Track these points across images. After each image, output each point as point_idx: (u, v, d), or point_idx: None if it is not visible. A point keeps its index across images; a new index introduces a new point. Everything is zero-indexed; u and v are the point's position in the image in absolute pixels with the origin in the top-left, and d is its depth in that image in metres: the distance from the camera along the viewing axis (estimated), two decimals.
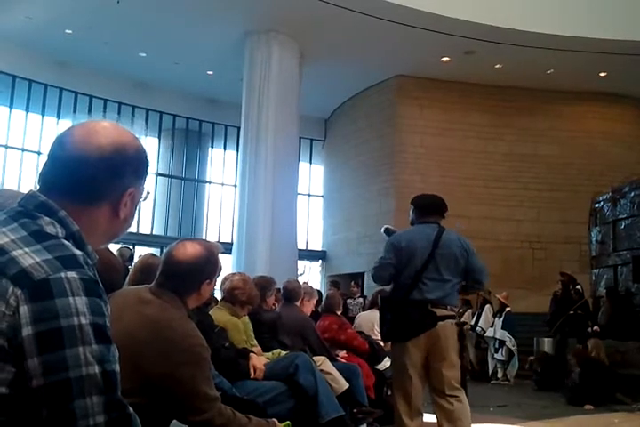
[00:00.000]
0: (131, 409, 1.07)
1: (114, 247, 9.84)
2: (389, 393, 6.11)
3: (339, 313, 6.28)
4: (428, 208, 4.37)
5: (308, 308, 5.71)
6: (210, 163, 17.98)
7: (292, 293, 5.44)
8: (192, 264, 2.29)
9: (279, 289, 5.74)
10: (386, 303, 4.30)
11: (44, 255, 1.04)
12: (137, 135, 1.27)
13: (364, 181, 15.88)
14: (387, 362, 6.02)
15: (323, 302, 6.65)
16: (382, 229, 4.53)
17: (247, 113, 13.11)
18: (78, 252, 1.09)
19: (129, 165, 1.22)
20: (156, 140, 16.75)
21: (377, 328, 6.55)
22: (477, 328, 10.75)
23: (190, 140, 17.24)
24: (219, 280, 4.46)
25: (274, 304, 5.34)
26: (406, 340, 4.00)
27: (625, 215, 9.94)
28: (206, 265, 2.34)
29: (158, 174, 16.25)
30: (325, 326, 5.85)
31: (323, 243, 17.91)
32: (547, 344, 10.28)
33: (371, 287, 13.72)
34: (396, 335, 4.11)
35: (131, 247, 10.79)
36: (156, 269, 2.78)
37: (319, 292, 8.27)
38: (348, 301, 11.24)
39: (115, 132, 1.22)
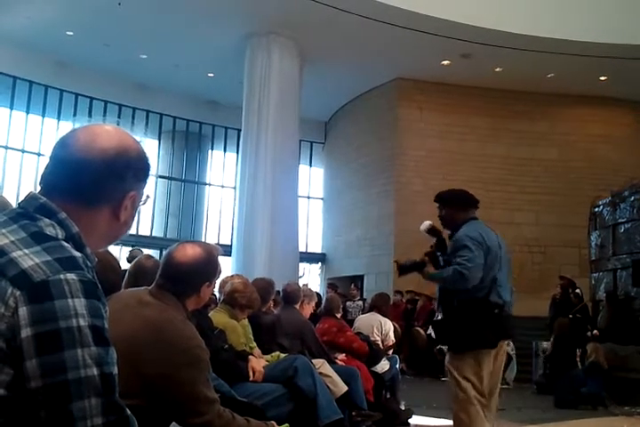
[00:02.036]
0: (128, 411, 1.07)
1: (125, 250, 9.86)
2: (388, 396, 6.12)
3: (338, 316, 6.27)
4: (471, 203, 3.97)
5: (308, 310, 5.69)
6: (210, 165, 17.99)
7: (292, 295, 5.43)
8: (192, 266, 2.29)
9: (278, 292, 5.74)
10: (468, 306, 3.70)
11: (43, 257, 1.04)
12: (138, 138, 1.27)
13: (364, 183, 15.88)
14: (385, 365, 6.02)
15: (322, 305, 6.65)
16: (426, 227, 3.95)
17: (247, 115, 13.12)
18: (78, 254, 1.09)
19: (131, 169, 1.22)
20: (157, 142, 16.77)
21: (376, 331, 6.55)
22: None
23: (190, 143, 17.25)
24: (217, 282, 4.45)
25: (270, 307, 5.33)
26: (494, 346, 3.68)
27: (625, 219, 9.93)
28: (206, 267, 2.34)
29: (158, 176, 16.26)
30: (325, 329, 5.84)
31: (322, 245, 17.91)
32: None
33: (370, 290, 13.73)
34: (484, 342, 3.66)
35: (142, 249, 10.78)
36: (149, 271, 2.78)
37: (318, 294, 8.28)
38: (348, 303, 11.24)
39: (117, 136, 1.23)
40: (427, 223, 3.97)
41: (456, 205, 3.96)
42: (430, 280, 3.94)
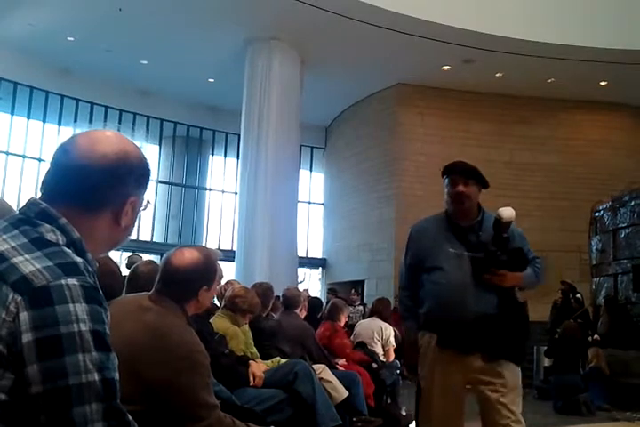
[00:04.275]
0: (129, 417, 1.07)
1: (126, 255, 9.86)
2: (389, 402, 6.11)
3: (341, 321, 6.24)
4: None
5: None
6: (210, 170, 18.01)
7: (292, 300, 5.43)
8: (189, 270, 2.28)
9: (278, 297, 5.74)
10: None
11: (44, 262, 1.04)
12: (138, 143, 1.28)
13: (365, 188, 15.89)
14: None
15: (326, 309, 6.64)
16: (513, 216, 3.01)
17: (247, 121, 13.12)
18: (79, 259, 1.09)
19: (131, 174, 1.23)
20: (157, 147, 16.79)
21: (377, 336, 6.54)
22: None
23: (191, 148, 17.28)
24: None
25: (270, 312, 5.32)
26: None
27: (625, 224, 9.94)
28: (203, 271, 2.33)
29: (159, 181, 16.27)
30: (320, 333, 5.83)
31: (323, 250, 17.90)
32: None
33: (371, 295, 13.72)
34: None
35: (141, 255, 10.78)
36: (147, 276, 2.78)
37: (319, 300, 8.27)
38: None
39: (118, 142, 1.23)
40: (513, 211, 3.02)
41: (483, 184, 3.17)
42: (524, 282, 3.08)
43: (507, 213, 2.99)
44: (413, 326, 3.19)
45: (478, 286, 2.97)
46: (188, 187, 17.29)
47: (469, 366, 2.96)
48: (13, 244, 1.07)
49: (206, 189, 17.84)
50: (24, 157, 14.59)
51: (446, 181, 3.15)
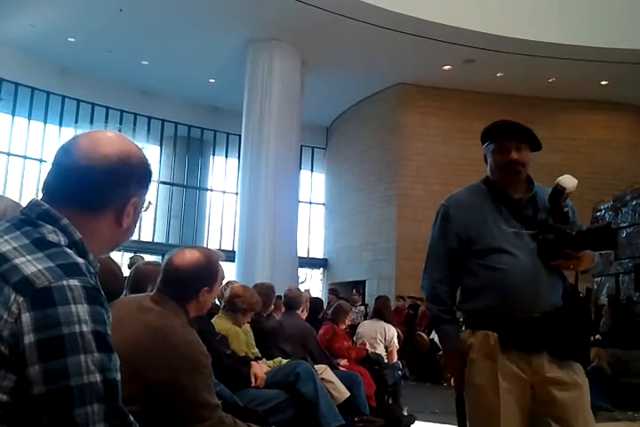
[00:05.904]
0: (131, 417, 1.07)
1: (127, 256, 9.86)
2: (390, 402, 6.10)
3: (343, 324, 6.23)
4: None
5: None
6: (211, 170, 18.04)
7: (294, 301, 5.43)
8: (190, 271, 2.28)
9: (279, 296, 5.74)
10: None
11: (46, 263, 1.04)
12: (140, 144, 1.28)
13: (366, 188, 15.88)
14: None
15: (331, 311, 6.64)
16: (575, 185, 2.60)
17: (248, 121, 13.13)
18: (80, 260, 1.10)
19: (133, 175, 1.23)
20: (158, 147, 16.81)
21: (380, 337, 6.54)
22: None
23: (192, 148, 17.28)
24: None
25: (272, 313, 5.32)
26: None
27: (627, 224, 9.92)
28: (204, 271, 2.33)
29: (160, 182, 16.27)
30: (320, 336, 5.83)
31: (324, 251, 17.90)
32: None
33: (372, 295, 13.71)
34: None
35: (142, 256, 10.78)
36: (148, 276, 2.78)
37: (320, 300, 8.27)
38: None
39: (120, 143, 1.23)
40: (576, 180, 2.59)
41: (536, 146, 2.71)
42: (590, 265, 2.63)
43: (570, 182, 2.55)
44: (455, 331, 2.56)
45: (549, 272, 2.47)
46: (190, 187, 17.30)
47: (535, 366, 2.38)
48: (15, 245, 1.07)
49: (207, 190, 17.85)
50: (25, 157, 14.61)
51: (491, 147, 2.62)
